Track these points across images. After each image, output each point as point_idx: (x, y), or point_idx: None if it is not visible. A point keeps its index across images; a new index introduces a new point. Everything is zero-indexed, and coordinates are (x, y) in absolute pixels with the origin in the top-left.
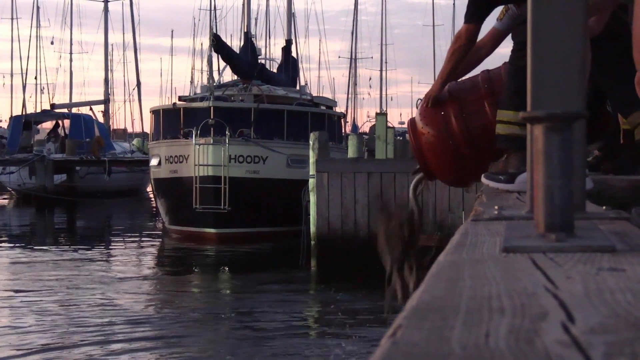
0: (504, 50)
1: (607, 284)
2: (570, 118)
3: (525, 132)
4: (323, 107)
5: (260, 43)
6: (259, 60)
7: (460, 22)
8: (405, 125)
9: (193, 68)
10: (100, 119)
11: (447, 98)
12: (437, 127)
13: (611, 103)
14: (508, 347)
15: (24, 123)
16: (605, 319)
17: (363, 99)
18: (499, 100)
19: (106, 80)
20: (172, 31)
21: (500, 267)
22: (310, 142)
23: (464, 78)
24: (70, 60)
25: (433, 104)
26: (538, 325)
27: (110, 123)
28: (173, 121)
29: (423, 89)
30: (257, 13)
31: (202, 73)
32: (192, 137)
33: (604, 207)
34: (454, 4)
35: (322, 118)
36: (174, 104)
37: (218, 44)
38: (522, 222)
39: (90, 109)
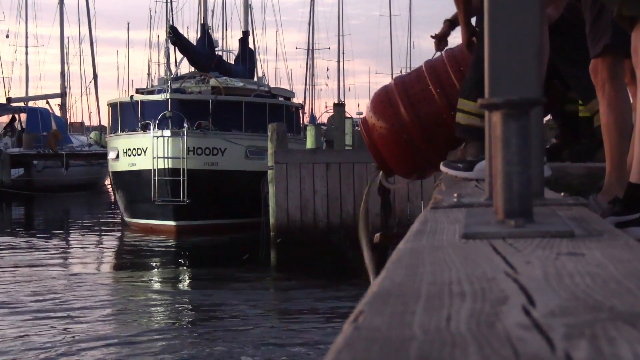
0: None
1: (566, 268)
2: (527, 104)
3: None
4: (281, 99)
5: (217, 35)
6: (216, 52)
7: (416, 13)
8: (361, 117)
9: (150, 60)
10: (57, 113)
11: (394, 91)
12: (389, 120)
13: (572, 89)
14: (469, 331)
15: None
16: (565, 302)
17: (321, 89)
18: (444, 86)
19: (62, 74)
20: (128, 24)
21: (460, 253)
22: (269, 134)
23: (408, 71)
24: (26, 53)
25: (469, 47)
26: (499, 309)
27: (67, 116)
28: (131, 114)
29: (380, 79)
30: (214, 5)
31: (159, 65)
32: (150, 129)
33: (562, 194)
34: None
35: (280, 109)
36: (132, 96)
37: (175, 36)
38: (481, 209)
39: (47, 102)
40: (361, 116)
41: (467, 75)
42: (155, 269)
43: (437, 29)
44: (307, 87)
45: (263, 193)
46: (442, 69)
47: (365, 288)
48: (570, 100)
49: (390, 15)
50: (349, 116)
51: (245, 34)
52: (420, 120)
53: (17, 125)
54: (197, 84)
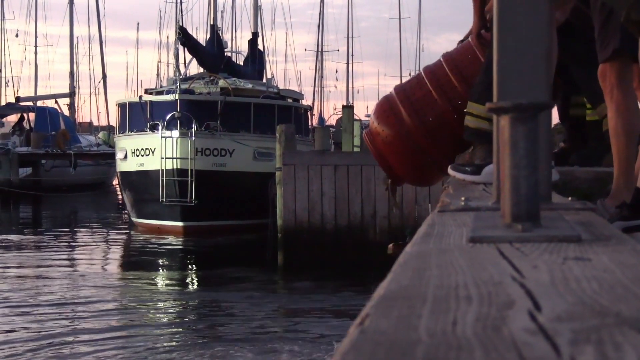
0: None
1: (573, 272)
2: (536, 108)
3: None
4: (290, 100)
5: (226, 36)
6: (225, 53)
7: (425, 15)
8: (365, 129)
9: (159, 61)
10: (66, 112)
11: (396, 99)
12: (393, 128)
13: (582, 92)
14: (475, 335)
15: None
16: (571, 307)
17: (329, 91)
18: (445, 90)
19: (72, 73)
20: (137, 24)
21: (467, 256)
22: (277, 135)
23: (408, 79)
24: (35, 53)
25: (479, 39)
26: (505, 313)
27: (76, 116)
28: (139, 114)
29: (389, 82)
30: (224, 6)
31: (168, 66)
32: (158, 130)
33: (570, 198)
34: None
35: (288, 111)
36: (140, 96)
37: (184, 37)
38: (488, 213)
39: (56, 102)
40: (369, 118)
41: (477, 79)
42: (162, 270)
43: (446, 31)
44: (316, 89)
45: (271, 194)
46: (442, 73)
47: (372, 290)
48: (575, 104)
49: (399, 18)
50: (358, 118)
51: (255, 35)
52: (424, 126)
53: (25, 124)
54: (206, 84)
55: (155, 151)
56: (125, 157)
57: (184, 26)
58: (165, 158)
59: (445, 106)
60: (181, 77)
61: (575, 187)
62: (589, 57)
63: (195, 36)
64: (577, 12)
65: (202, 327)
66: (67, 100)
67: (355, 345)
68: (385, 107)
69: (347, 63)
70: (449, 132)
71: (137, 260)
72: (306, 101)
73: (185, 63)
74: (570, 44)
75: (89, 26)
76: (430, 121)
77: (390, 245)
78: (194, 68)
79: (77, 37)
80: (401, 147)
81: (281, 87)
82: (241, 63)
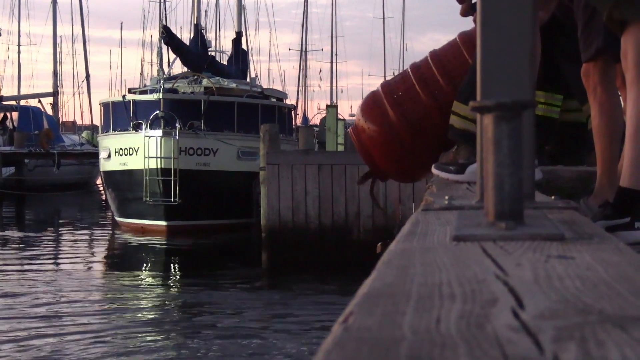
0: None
1: (556, 270)
2: (519, 107)
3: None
4: (273, 100)
5: (210, 35)
6: (209, 53)
7: (409, 15)
8: (352, 125)
9: (143, 60)
10: (49, 112)
11: (380, 93)
12: (377, 121)
13: (572, 90)
14: (459, 332)
15: None
16: (554, 305)
17: (313, 91)
18: (428, 84)
19: (55, 73)
20: (121, 23)
21: (451, 255)
22: (261, 134)
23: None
24: (19, 52)
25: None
26: (488, 310)
27: (60, 115)
28: (123, 113)
29: (373, 81)
30: (207, 5)
31: (152, 65)
32: (142, 129)
33: (553, 197)
34: None
35: (272, 110)
36: (124, 96)
37: (168, 36)
38: (472, 212)
39: (39, 101)
40: (353, 118)
41: (465, 79)
42: (146, 269)
43: (431, 31)
44: (300, 88)
45: (255, 194)
46: (426, 67)
47: (356, 289)
48: (569, 109)
49: (383, 18)
50: (342, 118)
51: (239, 34)
52: (406, 119)
53: (8, 123)
54: (189, 84)
55: (138, 150)
56: (109, 156)
57: (168, 25)
58: (149, 157)
59: (428, 100)
60: (165, 76)
61: (559, 186)
62: (576, 55)
63: (179, 35)
64: (566, 9)
65: (185, 326)
66: (50, 99)
67: (339, 343)
68: (370, 101)
69: (331, 62)
70: (432, 126)
71: (120, 260)
72: (290, 100)
73: (169, 62)
74: (562, 42)
75: (72, 25)
76: (412, 114)
77: (379, 245)
78: (178, 67)
79: (61, 37)
80: (384, 140)
81: (265, 86)
82: (225, 62)
